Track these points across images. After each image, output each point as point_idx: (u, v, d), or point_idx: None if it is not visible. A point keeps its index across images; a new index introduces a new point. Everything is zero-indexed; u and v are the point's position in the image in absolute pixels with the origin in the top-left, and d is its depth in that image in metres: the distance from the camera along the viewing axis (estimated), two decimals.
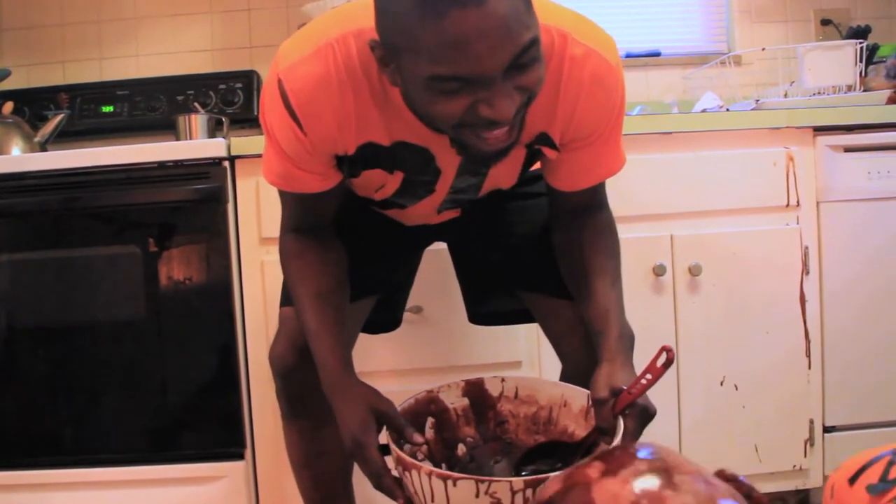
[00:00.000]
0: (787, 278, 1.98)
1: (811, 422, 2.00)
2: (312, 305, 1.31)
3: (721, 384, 1.98)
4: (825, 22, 2.62)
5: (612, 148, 1.29)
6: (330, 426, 1.45)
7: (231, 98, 2.48)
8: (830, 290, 2.00)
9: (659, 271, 1.93)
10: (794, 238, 1.98)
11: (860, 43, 2.17)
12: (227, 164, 1.90)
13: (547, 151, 1.26)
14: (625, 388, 1.15)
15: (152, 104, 2.50)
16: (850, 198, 1.99)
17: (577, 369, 1.45)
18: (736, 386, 1.98)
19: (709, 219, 1.97)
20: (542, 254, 1.43)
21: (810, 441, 2.00)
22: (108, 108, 2.51)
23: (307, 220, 1.36)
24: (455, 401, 1.32)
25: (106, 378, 1.92)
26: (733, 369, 1.98)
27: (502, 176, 1.34)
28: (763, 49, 2.27)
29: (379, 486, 1.20)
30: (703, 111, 2.23)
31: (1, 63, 2.59)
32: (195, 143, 1.94)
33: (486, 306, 1.62)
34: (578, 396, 1.27)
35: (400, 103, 1.12)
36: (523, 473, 1.22)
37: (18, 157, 2.01)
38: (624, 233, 1.89)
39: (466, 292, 1.63)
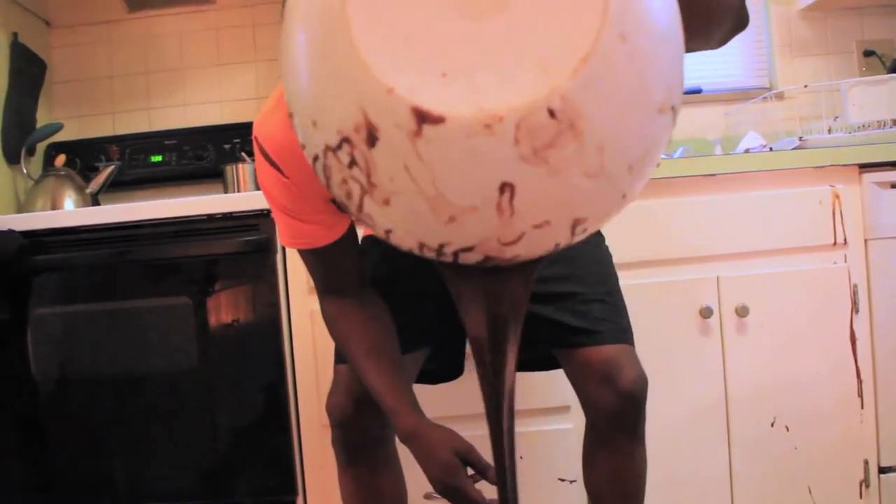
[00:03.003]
0: (837, 317, 1.96)
1: (866, 462, 1.97)
2: (368, 362, 1.35)
3: (772, 425, 1.96)
4: (868, 53, 2.61)
5: None
6: (386, 473, 1.48)
7: None
8: (881, 328, 1.97)
9: (706, 314, 1.93)
10: (843, 276, 1.96)
11: None
12: None
13: None
14: None
15: (200, 153, 2.55)
16: None
17: (598, 421, 1.46)
18: (787, 427, 1.96)
19: (755, 259, 1.96)
20: (564, 308, 1.44)
21: (865, 482, 1.97)
22: (156, 158, 2.57)
23: (333, 279, 1.40)
24: None
25: (158, 425, 1.96)
26: (784, 410, 1.96)
27: None
28: (805, 86, 2.26)
29: None
30: (747, 151, 2.23)
31: (52, 115, 2.67)
32: (243, 195, 1.97)
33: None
34: None
35: None
36: None
37: (71, 212, 2.07)
38: (670, 275, 1.94)
39: None
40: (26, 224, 1.96)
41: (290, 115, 0.68)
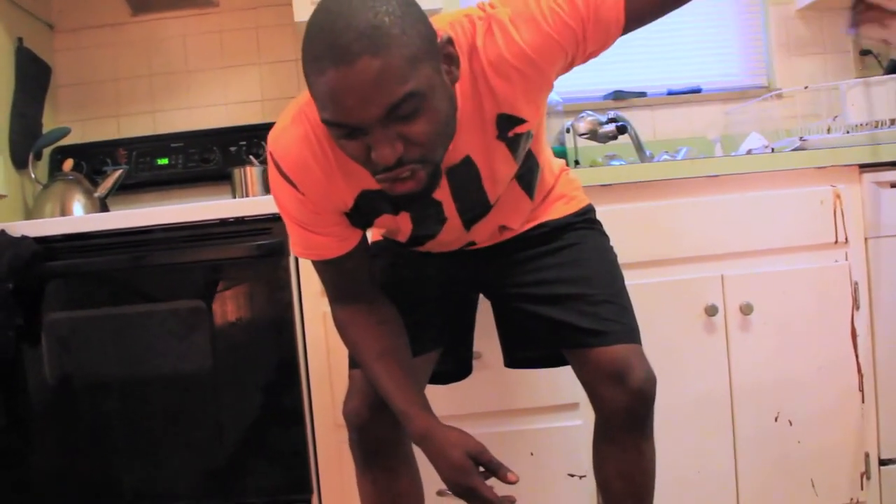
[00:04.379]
0: (838, 314, 2.01)
1: (867, 455, 2.02)
2: (380, 367, 1.40)
3: (775, 420, 2.01)
4: (864, 52, 2.65)
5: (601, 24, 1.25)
6: (404, 474, 1.52)
7: None
8: (881, 324, 2.02)
9: (711, 311, 1.96)
10: (844, 274, 2.00)
11: None
12: None
13: (521, 129, 1.30)
14: None
15: (206, 156, 2.57)
16: None
17: (608, 419, 1.50)
18: (790, 421, 2.01)
19: (759, 258, 2.00)
20: (573, 310, 1.48)
21: (867, 474, 2.02)
22: (163, 161, 2.59)
23: (345, 287, 1.44)
24: None
25: (173, 428, 1.99)
26: (787, 405, 2.01)
27: (497, 174, 1.36)
28: (806, 87, 2.30)
29: None
30: (749, 152, 2.27)
31: (57, 118, 2.68)
32: (255, 200, 1.99)
33: (522, 352, 1.68)
34: None
35: None
36: None
37: (84, 218, 2.08)
38: (675, 275, 1.98)
39: (503, 339, 1.69)
40: (39, 230, 1.98)
41: None
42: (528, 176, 1.45)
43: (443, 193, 1.32)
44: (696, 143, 2.57)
